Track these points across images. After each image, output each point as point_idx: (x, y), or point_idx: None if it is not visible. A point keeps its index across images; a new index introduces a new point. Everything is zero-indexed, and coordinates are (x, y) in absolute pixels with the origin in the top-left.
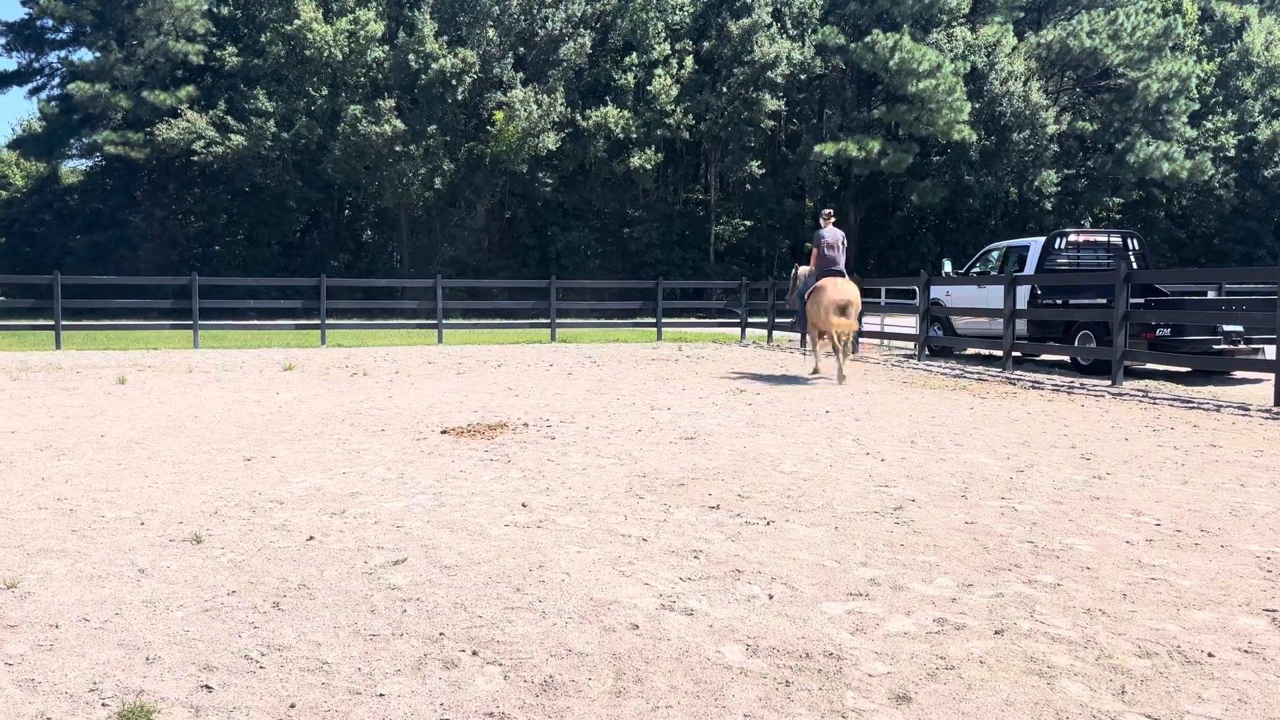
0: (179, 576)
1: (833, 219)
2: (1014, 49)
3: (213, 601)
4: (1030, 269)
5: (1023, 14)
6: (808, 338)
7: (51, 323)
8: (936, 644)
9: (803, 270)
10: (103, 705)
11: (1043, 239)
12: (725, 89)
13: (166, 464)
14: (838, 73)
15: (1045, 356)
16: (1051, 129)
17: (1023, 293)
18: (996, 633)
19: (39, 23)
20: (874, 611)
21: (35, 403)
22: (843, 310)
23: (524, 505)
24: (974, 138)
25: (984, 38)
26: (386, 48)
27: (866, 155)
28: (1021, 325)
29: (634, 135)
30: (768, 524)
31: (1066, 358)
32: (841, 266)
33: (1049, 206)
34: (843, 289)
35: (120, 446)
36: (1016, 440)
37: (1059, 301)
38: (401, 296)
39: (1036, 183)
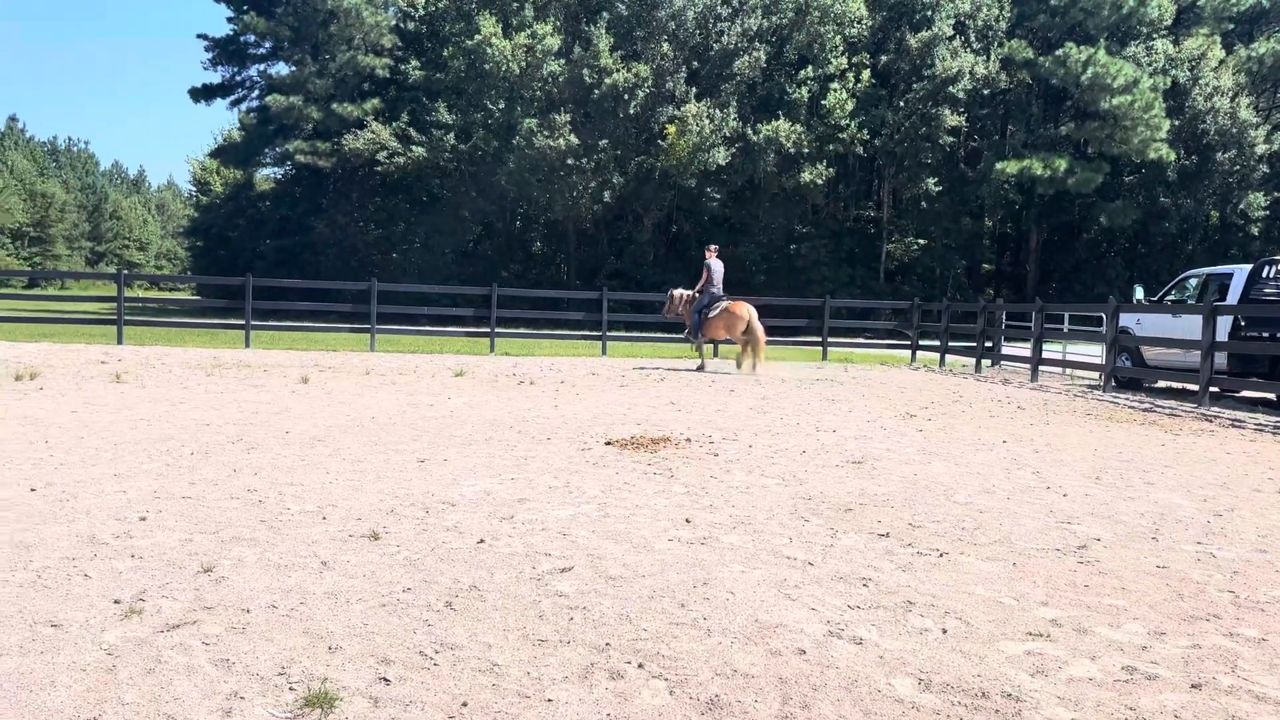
0: (358, 571)
1: (716, 252)
2: (1221, 63)
3: (389, 597)
4: (1234, 298)
5: (1232, 25)
6: (700, 342)
7: (243, 322)
8: (1125, 693)
9: (680, 292)
10: (290, 689)
11: (1248, 266)
12: (903, 104)
13: (346, 461)
14: (1023, 88)
15: (1248, 394)
16: (1261, 149)
17: (1224, 323)
18: (1193, 686)
19: (242, 38)
20: (1056, 654)
21: (228, 398)
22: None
23: (688, 521)
24: (1172, 157)
25: (1187, 51)
26: (562, 62)
27: (1052, 174)
28: (1221, 359)
29: (805, 150)
30: (941, 556)
31: (1273, 395)
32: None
33: (1255, 232)
34: (748, 309)
35: (303, 443)
36: (1214, 481)
37: (1265, 334)
38: (567, 308)
39: (1242, 206)
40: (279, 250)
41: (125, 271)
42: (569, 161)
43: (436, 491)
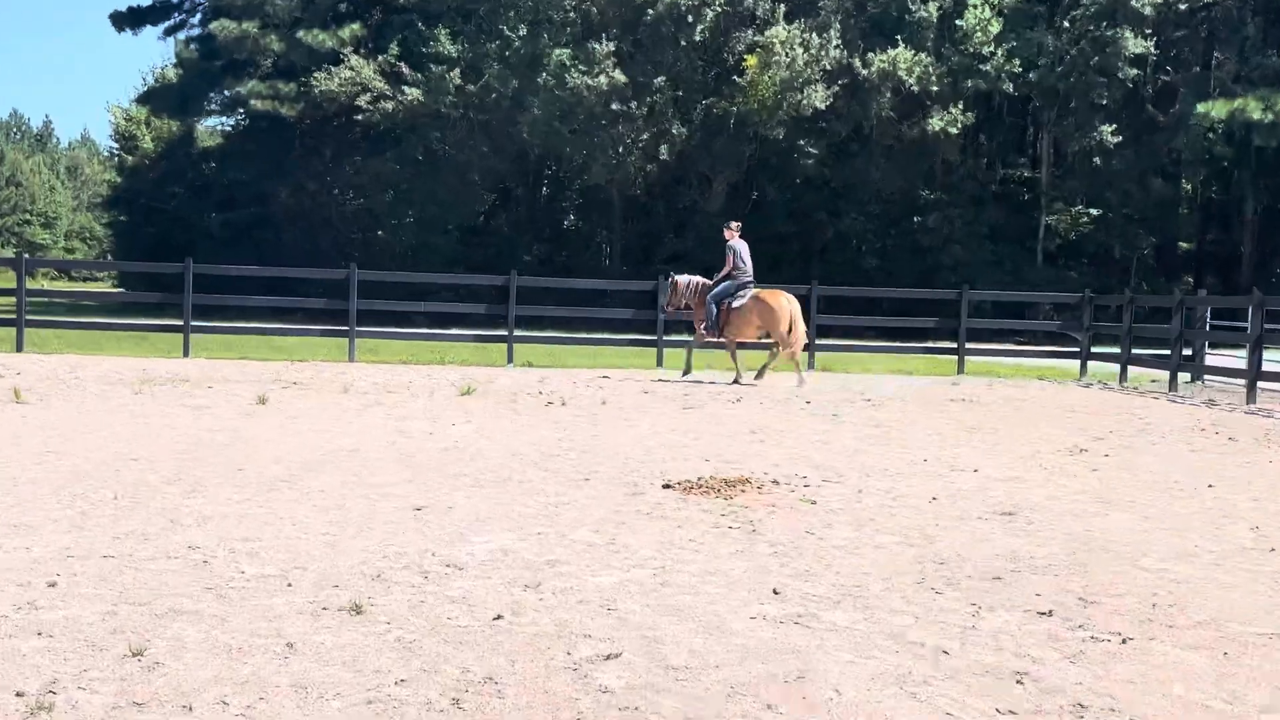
0: (335, 656)
1: (738, 231)
2: None
3: (377, 692)
4: None
5: None
6: (717, 341)
7: (180, 323)
8: None
9: (685, 280)
10: None
11: None
12: (1067, 24)
13: (318, 509)
14: (1235, 1)
15: None
16: None
17: None
18: None
19: None
20: None
21: (160, 423)
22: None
23: (775, 592)
24: None
25: None
26: None
27: (1275, 119)
28: None
29: (934, 88)
30: (1124, 641)
31: None
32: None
33: None
34: (792, 300)
35: (262, 484)
36: None
37: None
38: (611, 303)
39: None
40: (228, 226)
41: (27, 256)
42: (613, 106)
43: (438, 549)
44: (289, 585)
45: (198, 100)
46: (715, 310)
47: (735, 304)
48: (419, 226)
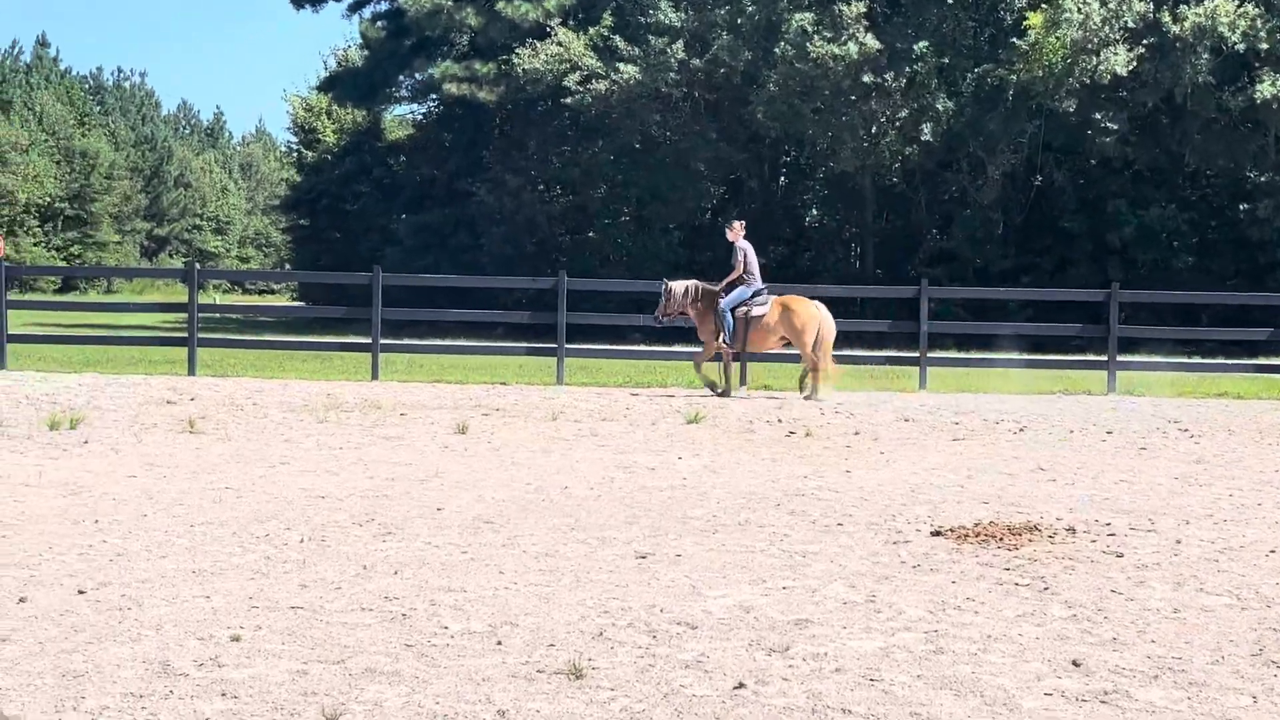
0: None
1: (743, 230)
2: None
3: None
4: None
5: None
6: (728, 352)
7: (367, 340)
8: None
9: (681, 285)
10: None
11: None
12: None
13: (528, 555)
14: None
15: None
16: None
17: None
18: None
19: None
20: None
21: (349, 457)
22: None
23: (1075, 664)
24: None
25: None
26: None
27: None
28: None
29: (1264, 46)
30: None
31: None
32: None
33: None
34: (821, 308)
35: (464, 526)
36: None
37: None
38: (864, 312)
39: None
40: (419, 230)
41: (199, 267)
42: (864, 79)
43: (667, 605)
44: (498, 644)
45: (385, 86)
46: (730, 320)
47: (756, 312)
48: (636, 226)
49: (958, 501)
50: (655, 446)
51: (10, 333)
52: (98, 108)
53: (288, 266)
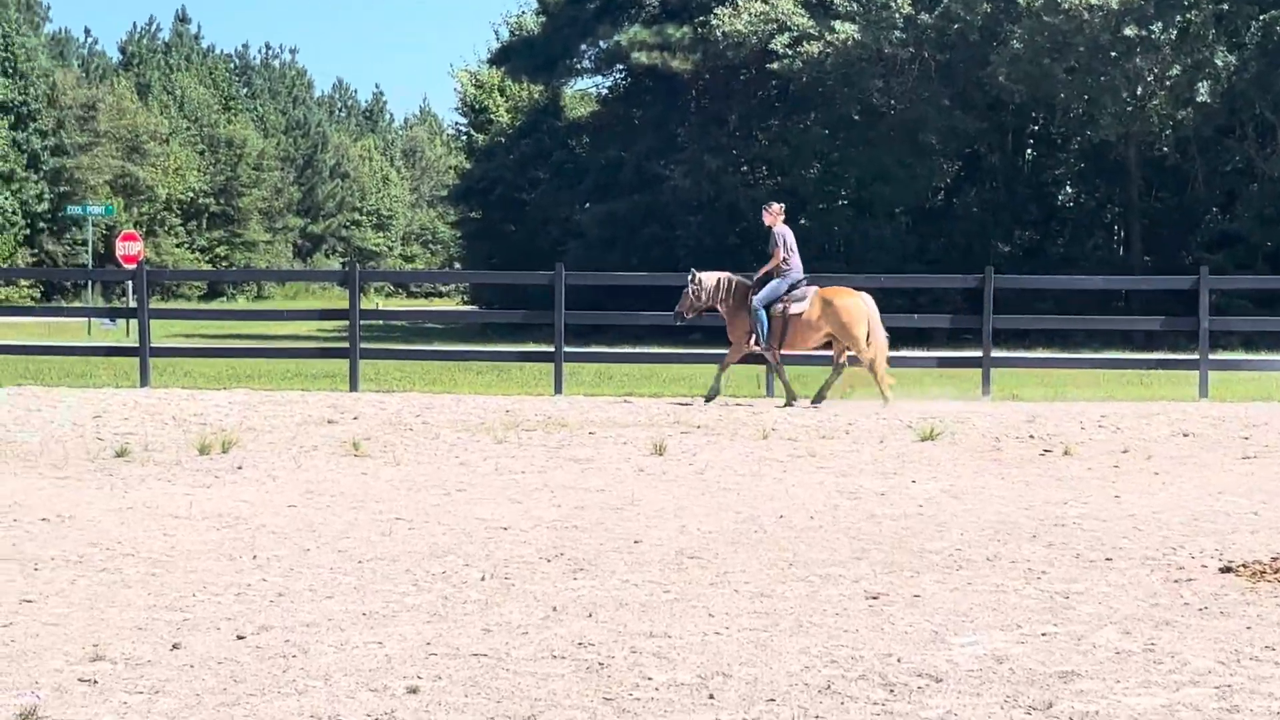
0: None
1: (783, 213)
2: None
3: None
4: None
5: None
6: (728, 361)
7: (549, 349)
8: None
9: (713, 278)
10: None
11: None
12: None
13: (741, 595)
14: None
15: None
16: None
17: None
18: None
19: None
20: None
21: (533, 482)
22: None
23: None
24: None
25: None
26: None
27: None
28: None
29: None
30: None
31: None
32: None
33: None
34: (868, 301)
35: (666, 561)
36: None
37: None
38: (1128, 307)
39: None
40: (606, 221)
41: (360, 268)
42: (1126, 32)
43: (905, 653)
44: (710, 698)
45: (565, 56)
46: (765, 317)
47: (795, 308)
48: (855, 211)
49: (1251, 531)
50: (884, 468)
51: (153, 345)
52: (244, 90)
53: (457, 266)
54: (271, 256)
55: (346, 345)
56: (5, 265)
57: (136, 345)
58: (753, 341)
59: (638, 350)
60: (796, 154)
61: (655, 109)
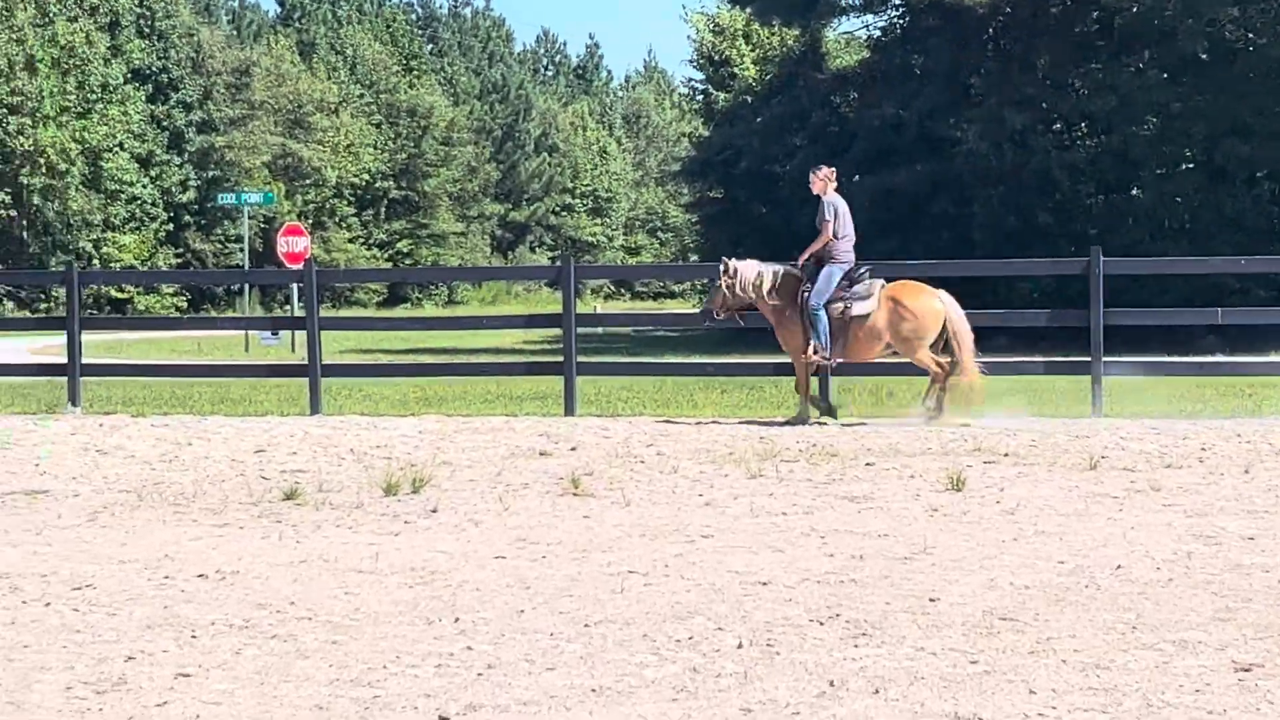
0: None
1: (834, 179)
2: None
3: None
4: None
5: None
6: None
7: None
8: None
9: (752, 268)
10: None
11: None
12: None
13: (1067, 666)
14: None
15: None
16: None
17: None
18: None
19: None
20: None
21: (798, 525)
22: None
23: None
24: None
25: None
26: None
27: None
28: None
29: None
30: None
31: None
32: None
33: None
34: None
35: (971, 624)
36: None
37: None
38: None
39: None
40: (881, 196)
41: (575, 263)
42: None
43: None
44: None
45: None
46: (823, 318)
47: (859, 308)
48: (1205, 178)
49: None
50: (1251, 504)
51: (325, 363)
52: (429, 47)
53: (693, 259)
54: (465, 251)
55: (560, 359)
56: (145, 268)
57: (304, 363)
58: (811, 350)
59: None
60: (1125, 106)
61: (942, 54)
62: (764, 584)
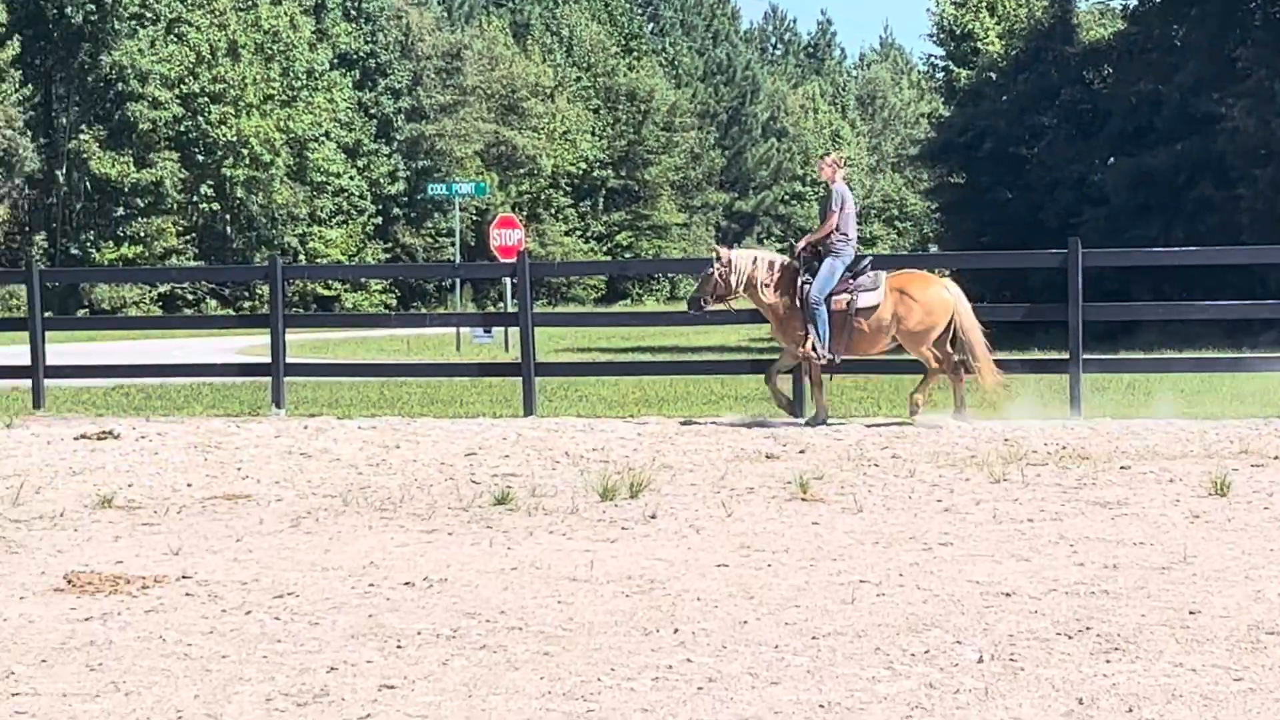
0: None
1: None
2: None
3: None
4: None
5: None
6: (778, 369)
7: (1061, 356)
8: None
9: (747, 257)
10: None
11: None
12: None
13: None
14: None
15: None
16: None
17: None
18: None
19: None
20: None
21: (1045, 533)
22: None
23: None
24: None
25: None
26: None
27: None
28: None
29: None
30: None
31: None
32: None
33: None
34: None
35: (1235, 639)
36: None
37: None
38: None
39: None
40: (1137, 180)
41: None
42: None
43: None
44: None
45: None
46: (824, 313)
47: (864, 300)
48: None
49: None
50: None
51: (540, 361)
52: (649, 27)
53: (932, 249)
54: (688, 244)
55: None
56: (351, 262)
57: (518, 362)
58: (810, 346)
59: (1183, 356)
60: None
61: (1205, 23)
62: (1007, 595)
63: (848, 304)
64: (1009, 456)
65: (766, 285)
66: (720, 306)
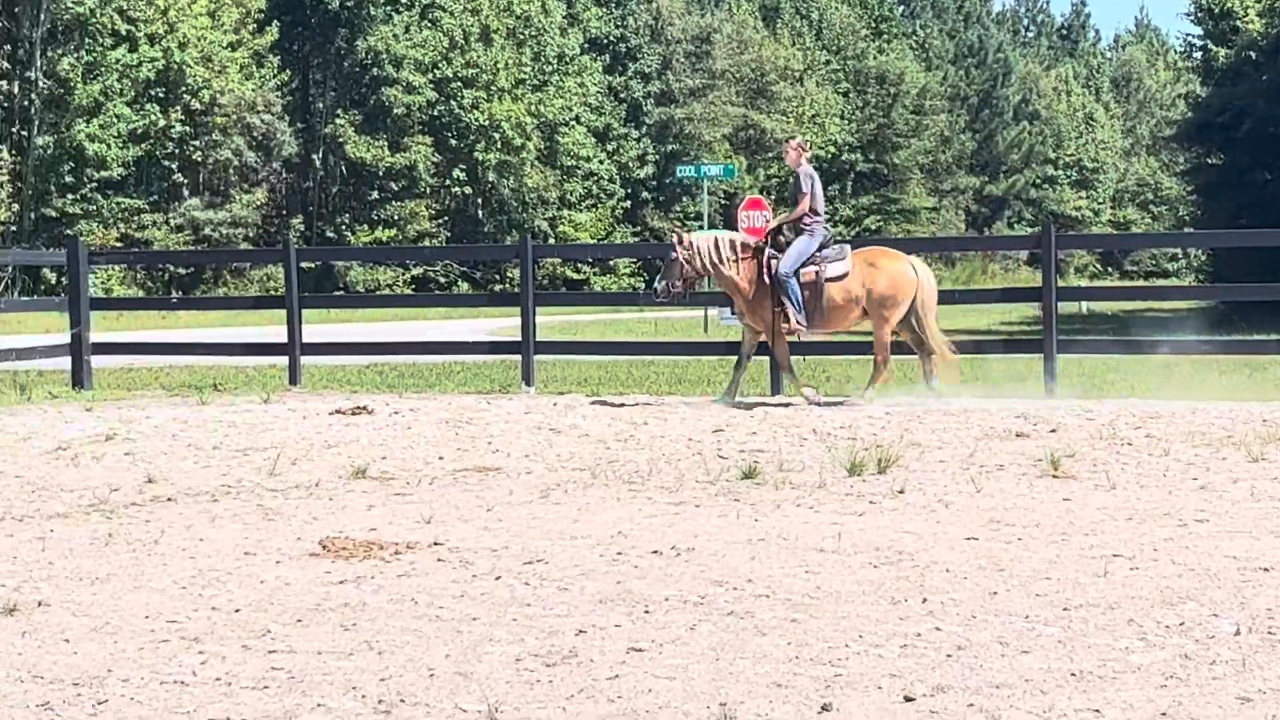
0: None
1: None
2: None
3: None
4: None
5: None
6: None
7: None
8: None
9: (706, 239)
10: None
11: None
12: None
13: None
14: None
15: None
16: None
17: None
18: None
19: None
20: None
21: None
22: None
23: None
24: None
25: None
26: None
27: None
28: None
29: None
30: None
31: None
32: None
33: None
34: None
35: None
36: None
37: None
38: None
39: None
40: None
41: (1055, 234)
42: None
43: None
44: None
45: None
46: (796, 286)
47: (832, 270)
48: None
49: None
50: None
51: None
52: (900, 9)
53: (1188, 230)
54: (937, 228)
55: (1038, 339)
56: (601, 243)
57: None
58: (789, 320)
59: None
60: None
61: None
62: (1265, 570)
63: (816, 274)
64: (1268, 437)
65: (732, 262)
66: (684, 290)
